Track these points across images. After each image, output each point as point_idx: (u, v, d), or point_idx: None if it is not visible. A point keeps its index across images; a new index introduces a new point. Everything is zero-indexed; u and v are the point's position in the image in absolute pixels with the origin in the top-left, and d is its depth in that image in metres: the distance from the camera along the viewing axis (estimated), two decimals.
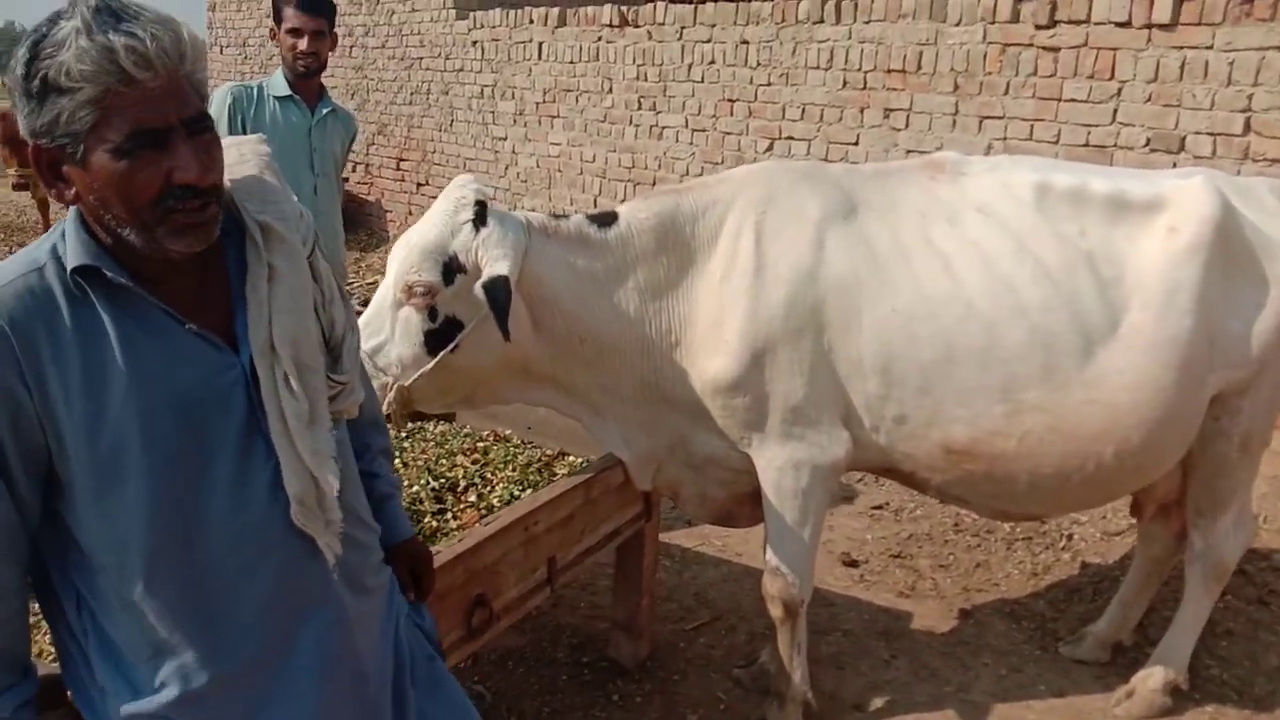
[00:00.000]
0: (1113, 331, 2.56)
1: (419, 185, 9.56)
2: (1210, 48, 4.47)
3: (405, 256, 2.49)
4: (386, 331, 2.53)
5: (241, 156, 1.47)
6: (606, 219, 2.69)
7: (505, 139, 8.48)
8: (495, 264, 2.43)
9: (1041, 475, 2.64)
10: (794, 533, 2.76)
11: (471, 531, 2.34)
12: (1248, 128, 4.38)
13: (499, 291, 2.39)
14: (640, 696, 3.12)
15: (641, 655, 3.26)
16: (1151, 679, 3.06)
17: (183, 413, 1.31)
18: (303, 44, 3.64)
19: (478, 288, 2.41)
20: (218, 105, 3.57)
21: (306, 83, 3.70)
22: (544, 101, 8.02)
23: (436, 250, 2.47)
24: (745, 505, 2.95)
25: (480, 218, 2.49)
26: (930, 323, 2.57)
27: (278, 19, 3.67)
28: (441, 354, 2.50)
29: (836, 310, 2.61)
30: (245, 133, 3.60)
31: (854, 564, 3.99)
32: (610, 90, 7.41)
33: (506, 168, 8.50)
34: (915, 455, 2.71)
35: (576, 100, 7.73)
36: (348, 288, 4.07)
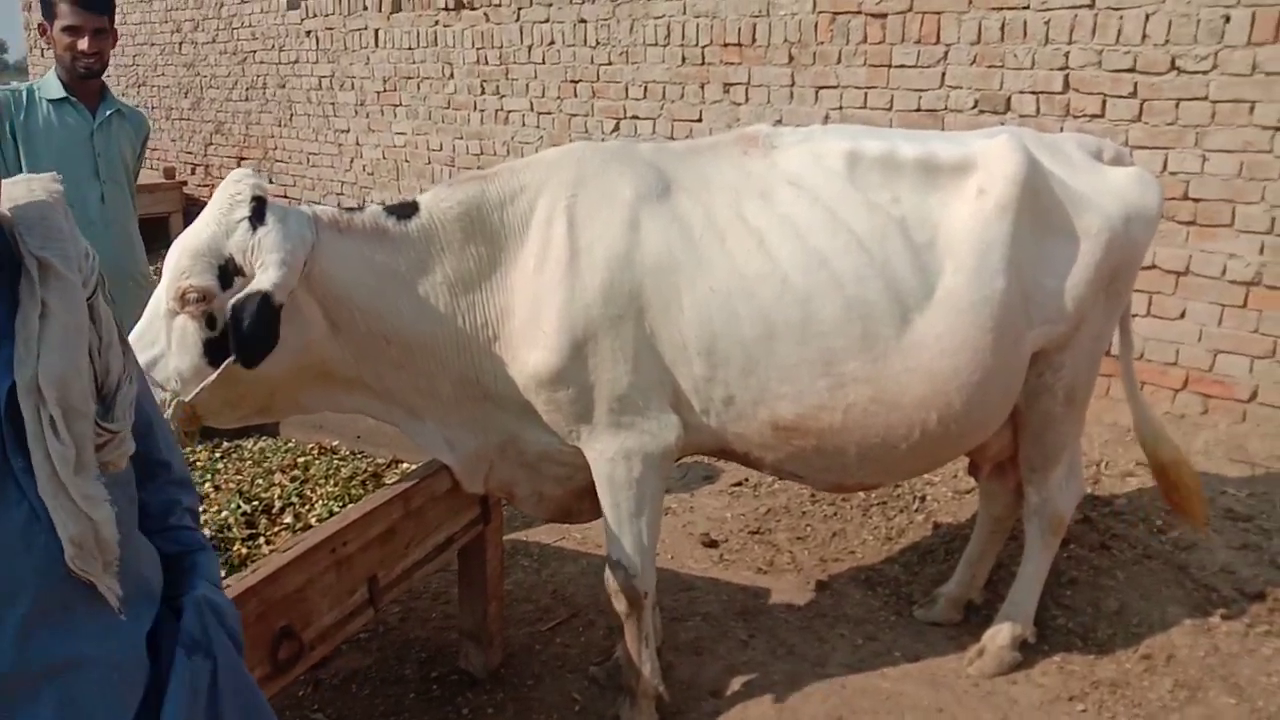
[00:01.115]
0: (928, 297, 2.55)
1: None
2: (1027, 8, 4.58)
3: (177, 260, 2.28)
4: (162, 343, 2.32)
5: (30, 191, 1.37)
6: (406, 210, 2.53)
7: (348, 131, 8.15)
8: (264, 272, 2.23)
9: (869, 446, 2.62)
10: (631, 524, 2.67)
11: (268, 559, 2.16)
12: (1067, 85, 4.50)
13: (244, 313, 2.18)
14: (492, 707, 2.99)
15: (493, 663, 3.13)
16: (1000, 636, 3.10)
17: None
18: (83, 43, 3.33)
19: (229, 306, 2.22)
20: None
21: (86, 84, 3.39)
22: (385, 90, 7.73)
23: (210, 252, 2.27)
24: (585, 500, 2.84)
25: (258, 214, 2.29)
26: (748, 300, 2.51)
27: (49, 14, 3.34)
28: (225, 364, 2.30)
29: (655, 293, 2.52)
30: (15, 142, 3.28)
31: (714, 544, 3.94)
32: (452, 76, 7.18)
33: (351, 160, 8.17)
34: (747, 435, 2.65)
35: (418, 87, 7.47)
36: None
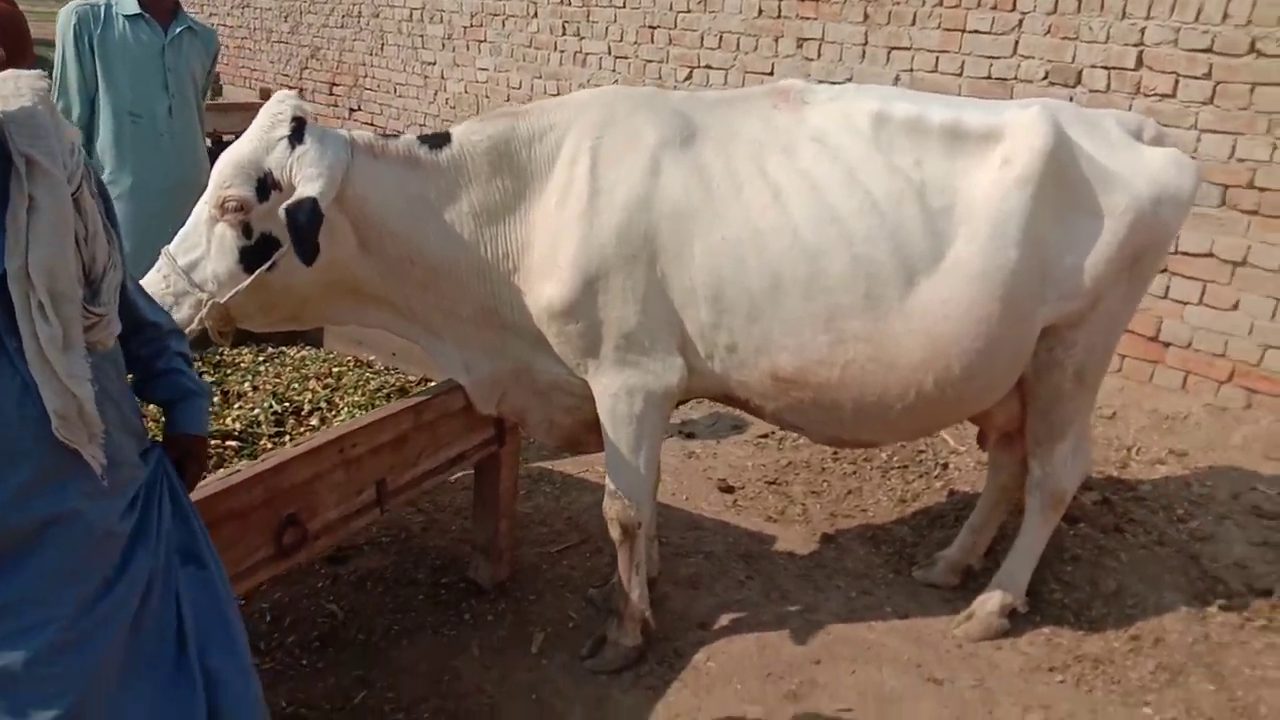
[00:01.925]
0: (937, 262, 2.58)
1: (351, 111, 9.39)
2: None
3: (220, 170, 2.46)
4: (202, 247, 2.50)
5: (18, 90, 1.48)
6: (439, 140, 2.66)
7: (434, 64, 8.32)
8: (306, 184, 2.39)
9: (865, 403, 2.69)
10: (630, 458, 2.79)
11: (277, 451, 2.35)
12: (1140, 62, 4.38)
13: (301, 215, 2.35)
14: (492, 615, 3.19)
15: (500, 577, 3.32)
16: (990, 602, 3.15)
17: None
18: None
19: (281, 209, 2.39)
20: (62, 26, 3.47)
21: (160, 0, 3.59)
22: (471, 25, 7.86)
23: (251, 165, 2.44)
24: (593, 432, 2.97)
25: (297, 134, 2.45)
26: (759, 252, 2.58)
27: None
28: (258, 272, 2.48)
29: (670, 237, 2.61)
30: (92, 54, 3.50)
31: (730, 490, 4.05)
32: (535, 15, 7.27)
33: (436, 93, 8.35)
34: (748, 383, 2.74)
35: (503, 25, 7.58)
36: None
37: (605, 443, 2.81)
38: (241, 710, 1.73)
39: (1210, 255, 4.30)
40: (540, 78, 7.36)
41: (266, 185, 2.43)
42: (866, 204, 2.58)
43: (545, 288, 2.66)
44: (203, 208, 2.50)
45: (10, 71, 1.51)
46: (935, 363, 2.62)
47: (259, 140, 2.45)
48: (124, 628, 1.59)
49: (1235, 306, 4.28)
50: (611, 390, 2.73)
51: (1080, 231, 2.68)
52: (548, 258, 2.66)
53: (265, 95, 10.07)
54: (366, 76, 9.18)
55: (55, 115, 1.51)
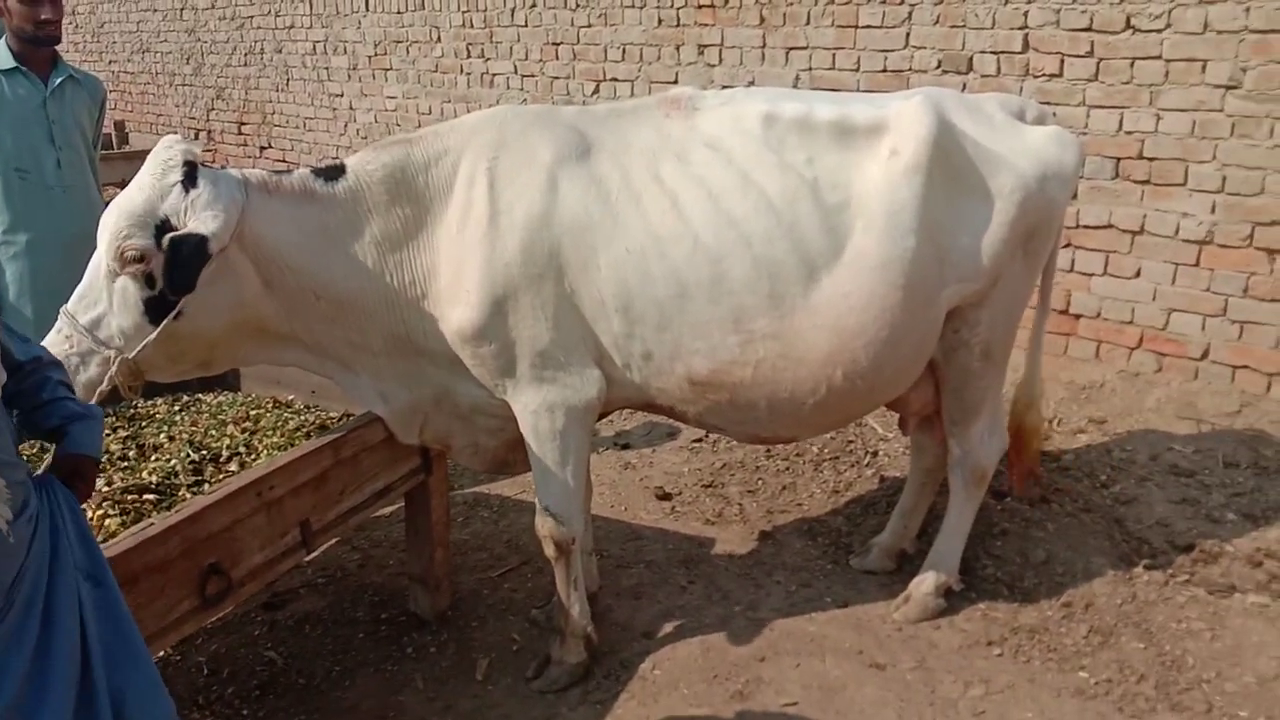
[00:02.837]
0: (837, 256, 2.63)
1: (262, 149, 9.24)
2: None
3: (115, 223, 2.40)
4: (104, 303, 2.44)
5: None
6: (333, 172, 2.65)
7: (342, 95, 8.23)
8: (201, 225, 2.36)
9: (779, 400, 2.73)
10: (556, 473, 2.79)
11: (192, 500, 2.31)
12: (1026, 44, 4.52)
13: (186, 247, 2.32)
14: (435, 646, 3.15)
15: (441, 607, 3.29)
16: (925, 583, 3.21)
17: None
18: (46, 11, 3.44)
19: (166, 238, 2.34)
20: None
21: (37, 52, 3.50)
22: (376, 54, 7.80)
23: (146, 214, 2.39)
24: (519, 451, 2.96)
25: (189, 178, 2.42)
26: (662, 260, 2.61)
27: None
28: (165, 321, 2.43)
29: (574, 252, 2.62)
30: None
31: (667, 497, 4.07)
32: (439, 40, 7.24)
33: (346, 124, 8.27)
34: (667, 389, 2.76)
35: (407, 51, 7.54)
36: None
37: (531, 461, 2.81)
38: None
39: (1110, 226, 4.44)
40: (449, 101, 7.34)
41: (164, 232, 2.38)
42: (762, 204, 2.62)
43: (455, 312, 2.66)
44: (100, 262, 2.44)
45: None
46: (842, 355, 2.66)
47: (151, 188, 2.41)
48: (31, 649, 1.56)
49: (1138, 274, 4.43)
50: (532, 408, 2.73)
51: (972, 214, 2.76)
52: (454, 282, 2.65)
53: None
54: (274, 113, 9.05)
55: None
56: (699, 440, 4.55)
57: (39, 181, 3.46)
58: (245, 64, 9.22)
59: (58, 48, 3.61)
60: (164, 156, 2.45)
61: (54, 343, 2.40)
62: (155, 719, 1.73)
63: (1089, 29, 4.29)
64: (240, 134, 9.55)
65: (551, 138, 2.69)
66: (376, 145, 2.73)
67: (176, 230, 2.38)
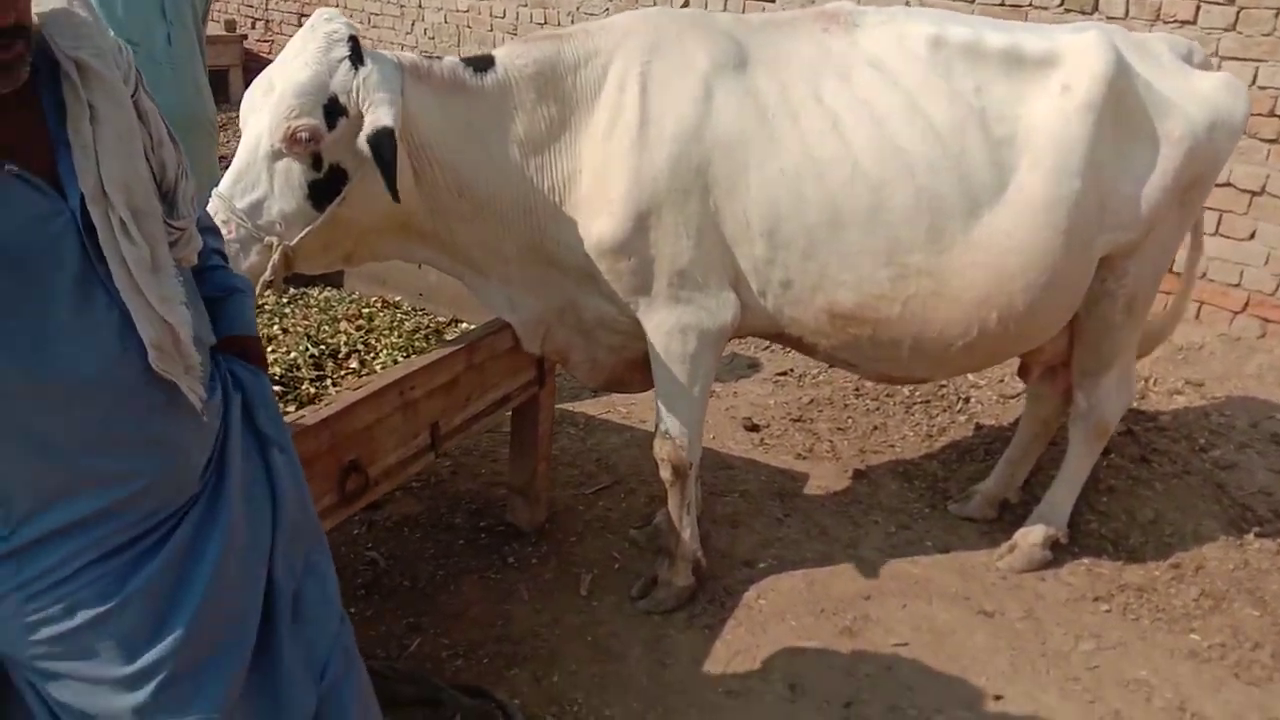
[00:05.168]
0: (1001, 193, 2.52)
1: None
2: None
3: (280, 100, 2.25)
4: (264, 186, 2.30)
5: None
6: (483, 64, 2.52)
7: None
8: (378, 110, 2.24)
9: (926, 340, 2.64)
10: (682, 396, 2.73)
11: (340, 395, 2.26)
12: None
13: (385, 146, 2.21)
14: (536, 558, 3.14)
15: (539, 520, 3.27)
16: (1033, 534, 3.17)
17: (7, 265, 1.24)
18: None
19: (362, 140, 2.24)
20: None
21: None
22: None
23: (316, 91, 2.25)
24: (636, 371, 2.91)
25: (356, 55, 2.29)
26: (817, 184, 2.50)
27: None
28: (329, 207, 2.32)
29: (723, 170, 2.52)
30: None
31: (755, 428, 4.02)
32: None
33: (413, 23, 8.06)
34: (802, 320, 2.68)
35: None
36: (222, 149, 3.79)
37: (656, 381, 2.75)
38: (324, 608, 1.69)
39: (1228, 185, 4.29)
40: (525, 5, 7.12)
41: (334, 112, 2.25)
42: (929, 132, 2.50)
43: (595, 223, 2.56)
44: (260, 142, 2.29)
45: None
46: (999, 298, 2.57)
47: (319, 62, 2.26)
48: (228, 525, 1.53)
49: (1252, 236, 4.29)
50: (665, 328, 2.66)
51: (1137, 160, 2.64)
52: (596, 192, 2.55)
53: (230, 27, 9.68)
54: (339, 5, 8.82)
55: (93, 11, 1.36)
56: (783, 374, 4.49)
57: (149, 55, 3.33)
58: None
59: None
60: (326, 29, 2.30)
61: None
62: (328, 593, 1.71)
63: None
64: (300, 25, 9.30)
65: (708, 45, 2.56)
66: (525, 39, 2.61)
67: (346, 110, 2.27)
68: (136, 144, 1.34)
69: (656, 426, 2.81)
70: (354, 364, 2.78)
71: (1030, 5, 4.70)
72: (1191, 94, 2.68)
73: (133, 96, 1.36)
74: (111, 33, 1.38)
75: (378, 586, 2.97)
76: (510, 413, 3.14)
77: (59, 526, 1.34)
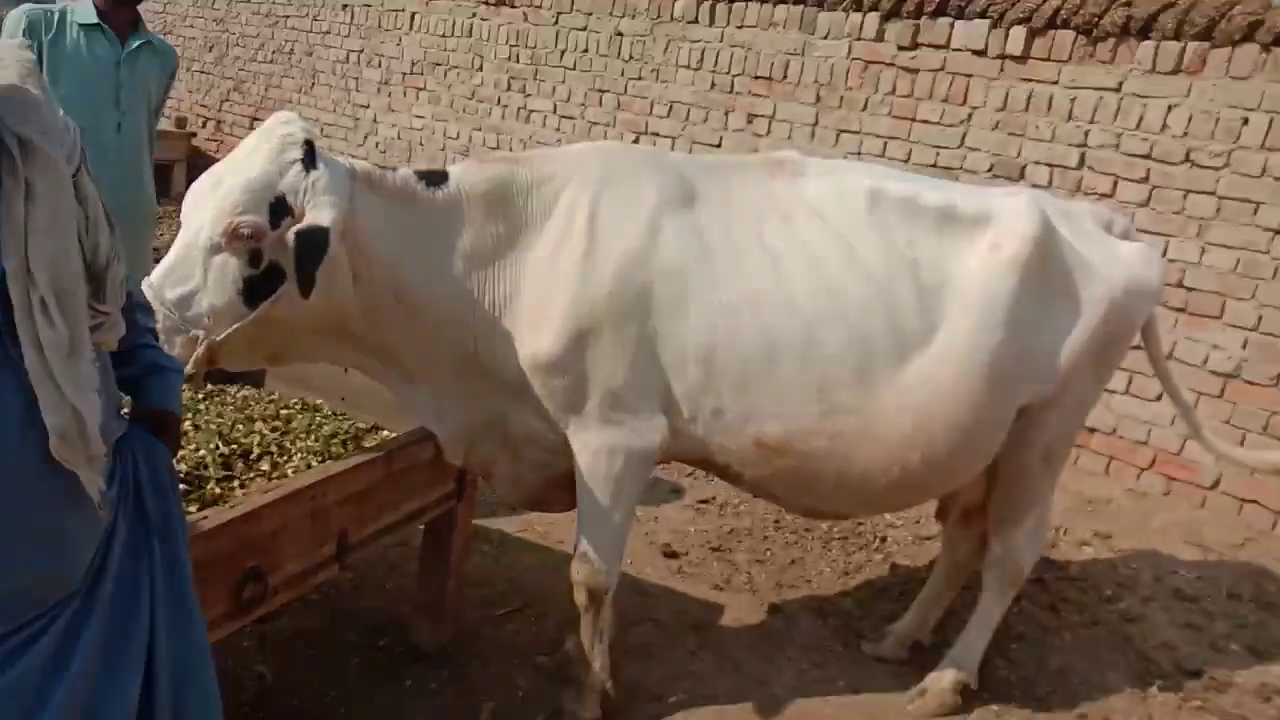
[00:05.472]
0: (928, 339, 2.60)
1: None
2: (1056, 83, 4.69)
3: (226, 194, 2.25)
4: (198, 279, 2.28)
5: (1, 65, 1.32)
6: (437, 178, 2.56)
7: (367, 107, 8.18)
8: (319, 211, 2.24)
9: (850, 475, 2.67)
10: (604, 518, 2.70)
11: (249, 497, 2.18)
12: (1082, 162, 4.61)
13: (312, 242, 2.21)
14: (435, 683, 3.01)
15: (443, 640, 3.15)
16: (943, 679, 3.14)
17: None
18: None
19: (290, 232, 2.24)
20: (10, 28, 3.27)
21: (119, 11, 3.40)
22: (411, 73, 7.78)
23: (264, 188, 2.25)
24: (560, 490, 2.87)
25: (310, 158, 2.31)
26: (754, 318, 2.56)
27: None
28: (262, 305, 2.30)
29: (664, 296, 2.56)
30: (40, 63, 3.29)
31: (674, 555, 3.97)
32: (481, 68, 7.24)
33: (366, 136, 8.20)
34: (730, 448, 2.69)
35: (445, 75, 7.52)
36: (156, 241, 3.75)
37: (580, 501, 2.71)
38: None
39: (1139, 348, 4.48)
40: (480, 129, 7.31)
41: (280, 211, 2.26)
42: (863, 277, 2.60)
43: (534, 339, 2.57)
44: (198, 236, 2.28)
45: None
46: (923, 439, 2.62)
47: (269, 162, 2.28)
48: (105, 616, 1.46)
49: (1159, 398, 4.47)
50: (593, 447, 2.64)
51: (1059, 317, 2.75)
52: (537, 309, 2.57)
53: (181, 124, 9.74)
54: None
55: (45, 89, 1.35)
56: (705, 501, 4.48)
57: (95, 142, 3.30)
58: (271, 61, 9.13)
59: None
60: (282, 131, 2.33)
61: None
62: (204, 688, 1.60)
63: (1147, 156, 4.39)
64: (252, 128, 9.39)
65: (657, 180, 2.65)
66: (482, 159, 2.67)
67: (292, 210, 2.27)
68: (71, 224, 1.32)
69: (575, 548, 2.76)
70: (265, 466, 2.70)
71: (962, 169, 4.98)
72: (1112, 259, 2.83)
73: (75, 176, 1.35)
74: (61, 111, 1.38)
75: (263, 704, 2.80)
76: (423, 526, 3.06)
77: None
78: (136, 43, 3.47)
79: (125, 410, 1.71)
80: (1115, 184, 4.49)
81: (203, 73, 9.96)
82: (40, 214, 1.26)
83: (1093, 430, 4.70)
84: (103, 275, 1.40)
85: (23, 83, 1.31)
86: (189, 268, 2.27)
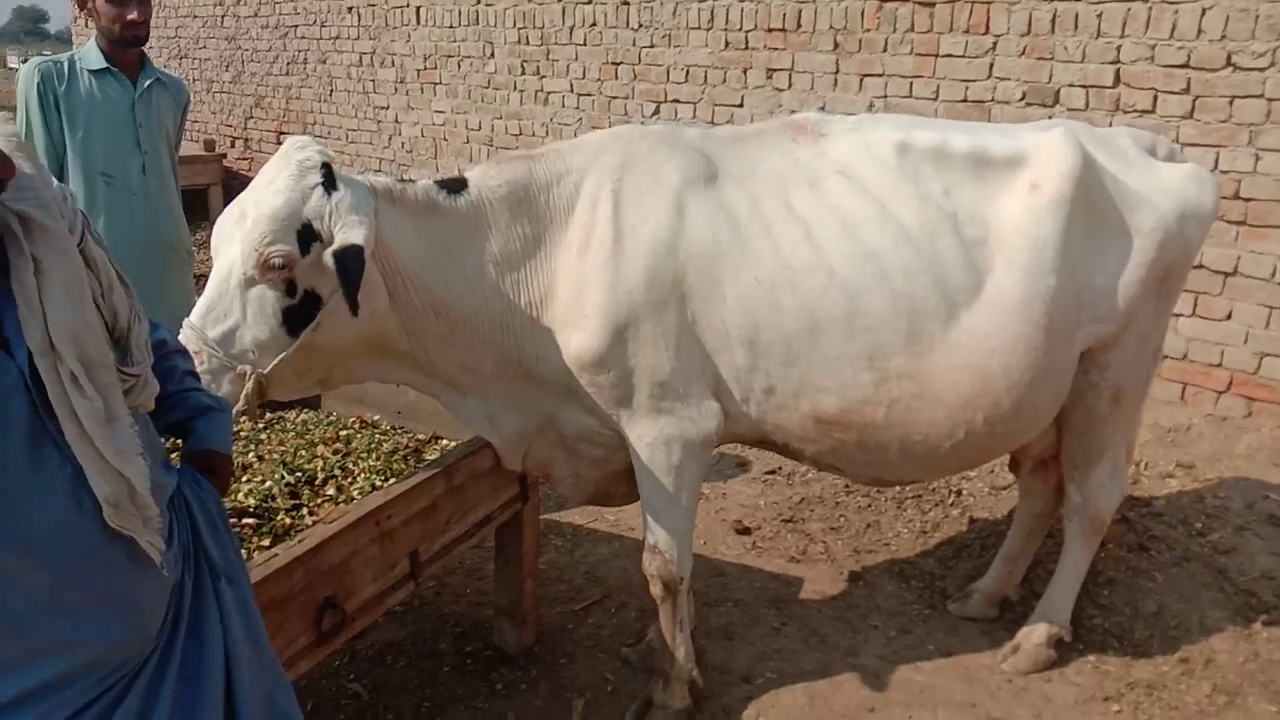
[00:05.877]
0: (978, 293, 2.52)
1: None
2: (1079, 0, 4.49)
3: (253, 227, 2.24)
4: (237, 315, 2.28)
5: None
6: (456, 185, 2.53)
7: (387, 108, 8.17)
8: (349, 231, 2.23)
9: (912, 442, 2.60)
10: (669, 509, 2.67)
11: (313, 530, 2.18)
12: (1118, 79, 4.43)
13: (351, 261, 2.20)
14: (525, 683, 3.02)
15: (527, 641, 3.16)
16: (1035, 634, 3.08)
17: None
18: (133, 13, 3.35)
19: (328, 256, 2.22)
20: (24, 85, 3.28)
21: (125, 53, 3.40)
22: (425, 68, 7.74)
23: (289, 217, 2.24)
24: (620, 483, 2.85)
25: (329, 180, 2.29)
26: (793, 292, 2.49)
27: None
28: (303, 333, 2.29)
29: (698, 280, 2.51)
30: (59, 113, 3.31)
31: (746, 531, 3.94)
32: (492, 55, 7.18)
33: (390, 138, 8.20)
34: (786, 426, 2.64)
35: (458, 66, 7.47)
36: (198, 270, 3.78)
37: (642, 495, 2.69)
38: None
39: (1201, 267, 4.33)
40: (500, 118, 7.26)
41: (308, 237, 2.25)
42: (901, 237, 2.51)
43: (573, 338, 2.54)
44: (231, 271, 2.28)
45: None
46: (983, 398, 2.54)
47: (290, 189, 2.26)
48: (178, 666, 1.47)
49: (1229, 316, 4.32)
50: (647, 440, 2.61)
51: (1110, 252, 2.65)
52: (573, 306, 2.54)
53: (210, 146, 9.82)
54: (316, 124, 8.99)
55: (37, 163, 1.33)
56: (771, 472, 4.43)
57: (124, 187, 3.36)
58: (287, 73, 9.16)
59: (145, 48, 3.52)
60: (299, 157, 2.31)
61: None
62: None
63: (1186, 65, 4.20)
64: (278, 143, 9.46)
65: (678, 160, 2.58)
66: (497, 160, 2.62)
67: (320, 235, 2.26)
68: (85, 294, 1.31)
69: (645, 540, 2.74)
70: (331, 490, 2.71)
71: (993, 101, 4.82)
72: (1159, 186, 2.71)
73: (80, 244, 1.33)
74: (55, 183, 1.36)
75: None
76: (495, 531, 3.06)
77: (16, 695, 1.26)
78: (147, 81, 3.47)
79: (174, 455, 1.72)
80: (1155, 98, 4.30)
81: (223, 93, 10.03)
82: (54, 288, 1.25)
83: (1165, 357, 4.55)
84: (126, 338, 1.39)
85: (14, 156, 1.28)
86: (227, 304, 2.27)
